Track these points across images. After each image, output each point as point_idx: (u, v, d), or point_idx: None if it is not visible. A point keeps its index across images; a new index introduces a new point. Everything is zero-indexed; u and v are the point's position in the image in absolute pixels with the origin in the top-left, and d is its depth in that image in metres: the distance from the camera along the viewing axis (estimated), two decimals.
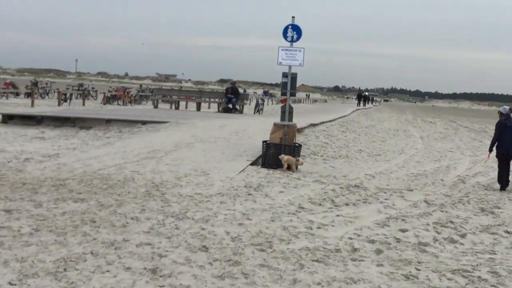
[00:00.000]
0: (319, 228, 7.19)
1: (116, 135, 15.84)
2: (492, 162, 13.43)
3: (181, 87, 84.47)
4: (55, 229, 6.25)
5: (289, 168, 11.88)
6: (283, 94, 13.87)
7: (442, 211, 8.82)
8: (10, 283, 4.61)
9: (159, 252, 5.68)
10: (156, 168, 10.68)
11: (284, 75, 13.35)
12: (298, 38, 13.21)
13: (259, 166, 12.08)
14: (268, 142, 12.55)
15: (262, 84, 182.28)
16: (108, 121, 18.20)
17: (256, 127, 18.90)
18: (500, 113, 11.89)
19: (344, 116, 35.18)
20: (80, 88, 40.89)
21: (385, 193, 10.11)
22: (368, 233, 7.08)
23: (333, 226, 7.37)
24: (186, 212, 7.48)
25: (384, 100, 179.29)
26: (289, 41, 13.20)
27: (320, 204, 8.66)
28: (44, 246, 5.62)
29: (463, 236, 7.33)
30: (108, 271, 5.04)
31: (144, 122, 18.24)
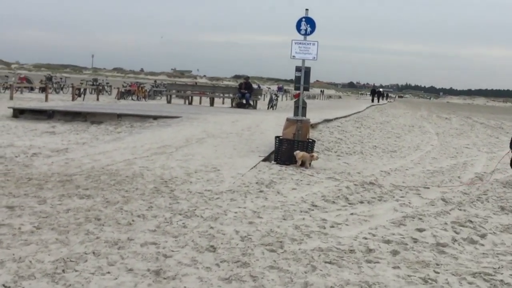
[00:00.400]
0: (332, 227, 6.90)
1: (127, 130, 15.65)
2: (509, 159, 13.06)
3: (196, 82, 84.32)
4: (57, 227, 6.01)
5: (302, 164, 11.60)
6: (296, 88, 13.55)
7: (460, 210, 8.48)
8: (4, 285, 4.37)
9: (164, 252, 5.41)
10: (166, 163, 10.44)
11: (298, 69, 13.01)
12: (311, 31, 12.86)
13: (272, 162, 11.81)
14: (280, 137, 12.27)
15: (277, 80, 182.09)
16: (120, 116, 18.03)
17: (269, 123, 18.63)
18: None
19: (359, 112, 34.78)
20: (94, 83, 40.90)
21: (401, 190, 9.80)
22: (384, 233, 6.78)
23: (347, 225, 7.07)
24: (195, 209, 7.22)
25: (399, 97, 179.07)
26: (302, 34, 12.86)
27: (333, 202, 8.37)
28: (44, 245, 5.38)
29: (483, 236, 6.99)
30: (109, 272, 4.77)
31: (155, 117, 18.04)
